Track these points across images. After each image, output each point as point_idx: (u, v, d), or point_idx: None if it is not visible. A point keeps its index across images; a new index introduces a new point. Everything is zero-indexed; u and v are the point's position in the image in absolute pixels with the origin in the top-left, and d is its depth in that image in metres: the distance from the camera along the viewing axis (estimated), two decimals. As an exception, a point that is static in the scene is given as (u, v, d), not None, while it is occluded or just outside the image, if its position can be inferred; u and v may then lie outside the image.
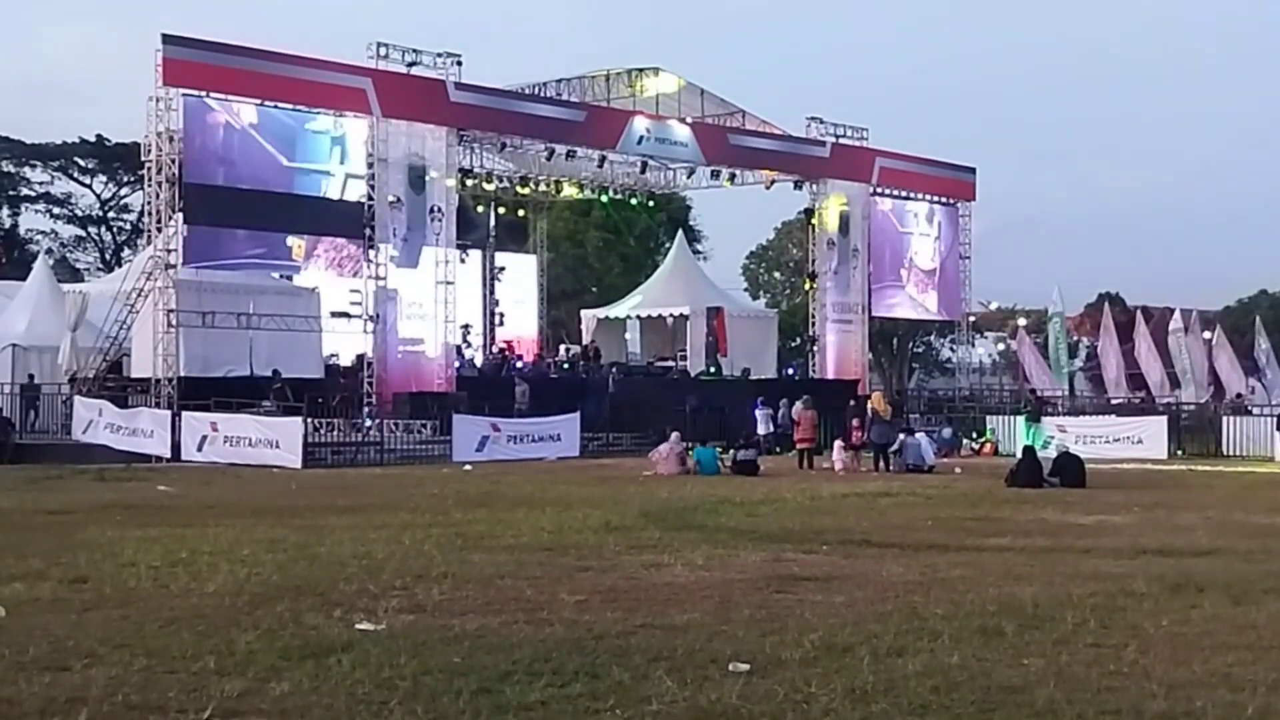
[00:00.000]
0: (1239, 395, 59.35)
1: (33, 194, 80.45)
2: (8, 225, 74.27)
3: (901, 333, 63.48)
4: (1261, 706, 8.20)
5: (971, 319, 66.73)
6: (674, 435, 35.83)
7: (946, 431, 44.27)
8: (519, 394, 45.74)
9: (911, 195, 60.63)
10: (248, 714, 8.05)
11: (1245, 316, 75.11)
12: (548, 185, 56.20)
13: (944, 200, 62.06)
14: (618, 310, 61.90)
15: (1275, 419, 38.55)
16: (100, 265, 69.00)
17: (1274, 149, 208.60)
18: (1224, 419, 49.73)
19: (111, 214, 78.22)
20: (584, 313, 62.80)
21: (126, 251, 65.18)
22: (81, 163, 78.70)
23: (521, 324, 57.71)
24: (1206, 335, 65.34)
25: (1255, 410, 51.33)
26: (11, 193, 79.65)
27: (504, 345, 55.25)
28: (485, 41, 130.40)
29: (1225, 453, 44.48)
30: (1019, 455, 32.59)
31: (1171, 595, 13.07)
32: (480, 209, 53.85)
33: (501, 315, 56.08)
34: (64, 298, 47.03)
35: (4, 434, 38.95)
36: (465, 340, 50.65)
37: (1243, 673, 9.25)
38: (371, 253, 45.03)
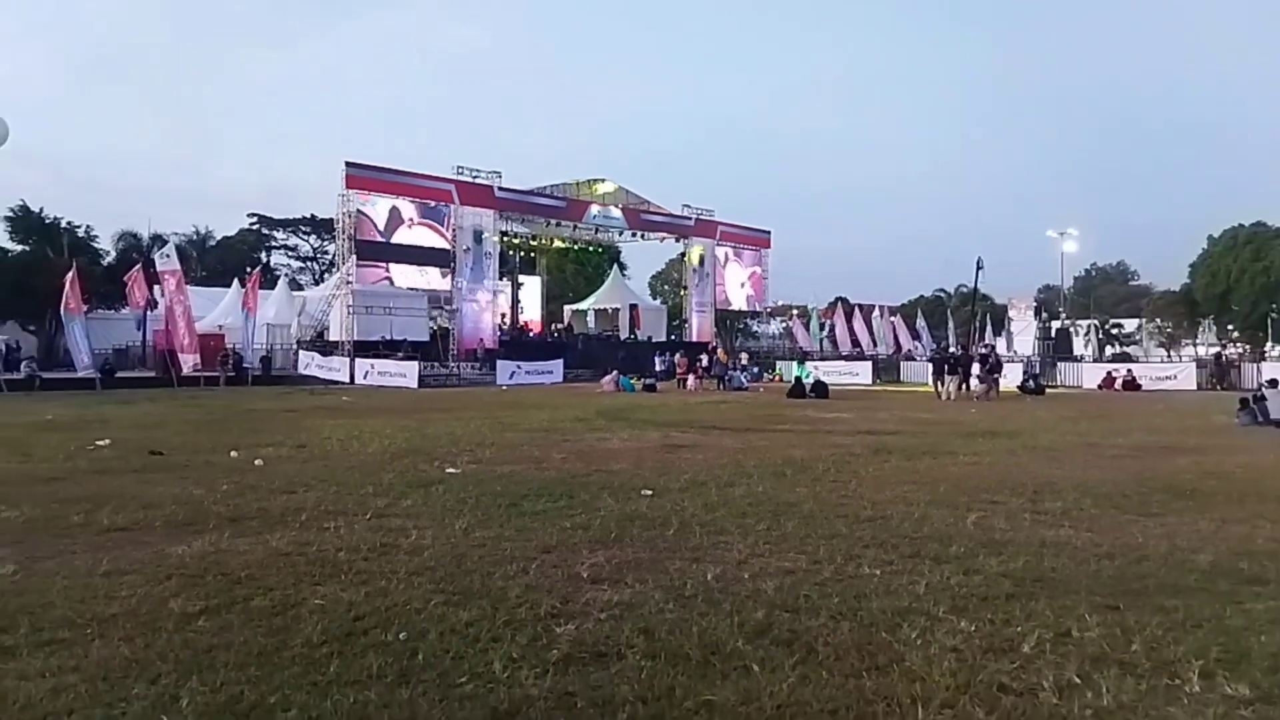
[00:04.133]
0: (908, 351, 60.11)
1: (277, 245, 79.92)
2: (265, 260, 73.68)
3: (731, 317, 63.73)
4: (922, 513, 8.37)
5: (769, 309, 67.05)
6: (614, 372, 35.72)
7: (755, 370, 44.39)
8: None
9: (736, 246, 60.79)
10: (390, 515, 8.06)
11: (912, 309, 75.46)
12: (546, 240, 55.67)
13: (754, 247, 62.27)
14: (583, 305, 61.77)
15: (929, 363, 38.62)
16: (313, 282, 68.19)
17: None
18: (900, 363, 50.51)
19: (318, 255, 77.68)
20: (565, 307, 62.59)
21: (326, 275, 64.29)
22: (304, 229, 78.19)
23: (532, 313, 57.36)
24: (892, 319, 66.02)
25: (917, 358, 52.16)
26: (267, 244, 79.05)
27: (523, 324, 54.98)
28: (513, 162, 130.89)
29: (902, 380, 45.00)
30: (793, 382, 32.76)
31: (873, 455, 13.11)
32: (511, 252, 53.41)
33: (522, 308, 55.68)
34: (293, 299, 46.70)
35: (234, 368, 37.95)
36: (502, 321, 50.43)
37: (912, 495, 9.38)
38: (454, 275, 44.87)
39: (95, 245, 49.07)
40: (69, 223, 47.68)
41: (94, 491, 9.30)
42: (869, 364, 48.05)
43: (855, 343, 61.98)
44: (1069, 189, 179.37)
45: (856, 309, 65.89)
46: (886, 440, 15.48)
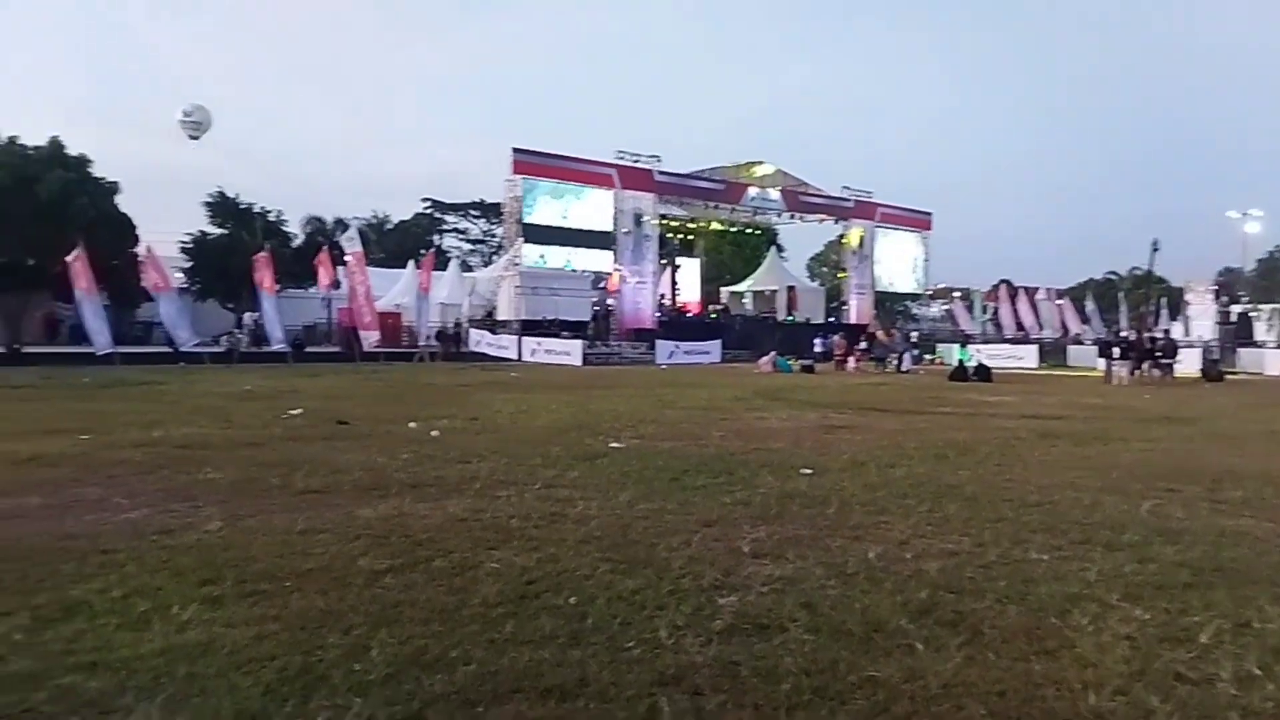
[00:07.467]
0: (1076, 335, 57.56)
1: (449, 228, 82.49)
2: (437, 243, 76.12)
3: (891, 299, 62.31)
4: (1093, 500, 8.05)
5: (930, 292, 65.35)
6: (771, 353, 35.55)
7: (916, 352, 43.25)
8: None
9: (896, 227, 59.39)
10: (558, 486, 8.25)
11: (1081, 292, 71.98)
12: (704, 222, 55.72)
13: (915, 228, 60.68)
14: (740, 287, 61.59)
15: (1098, 346, 37.00)
16: (483, 263, 70.01)
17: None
18: (1067, 347, 48.50)
19: (488, 238, 79.70)
20: (723, 289, 62.44)
21: (495, 256, 65.96)
22: (474, 213, 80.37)
23: (690, 294, 57.38)
24: (1059, 302, 63.45)
25: (1085, 342, 49.93)
26: (439, 228, 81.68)
27: (682, 305, 55.19)
28: (672, 145, 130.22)
29: (1069, 365, 43.13)
30: (955, 364, 31.86)
31: (1040, 440, 12.66)
32: (669, 235, 53.65)
33: (680, 289, 55.93)
34: (464, 280, 48.18)
35: (455, 345, 40.30)
36: (661, 302, 50.75)
37: (1082, 482, 9.02)
38: (615, 257, 45.50)
39: (285, 229, 51.43)
40: (261, 208, 50.18)
41: (288, 457, 9.90)
42: (1034, 348, 46.27)
43: (1020, 326, 59.55)
44: (1252, 168, 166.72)
45: (1021, 291, 63.33)
46: (1053, 425, 14.88)
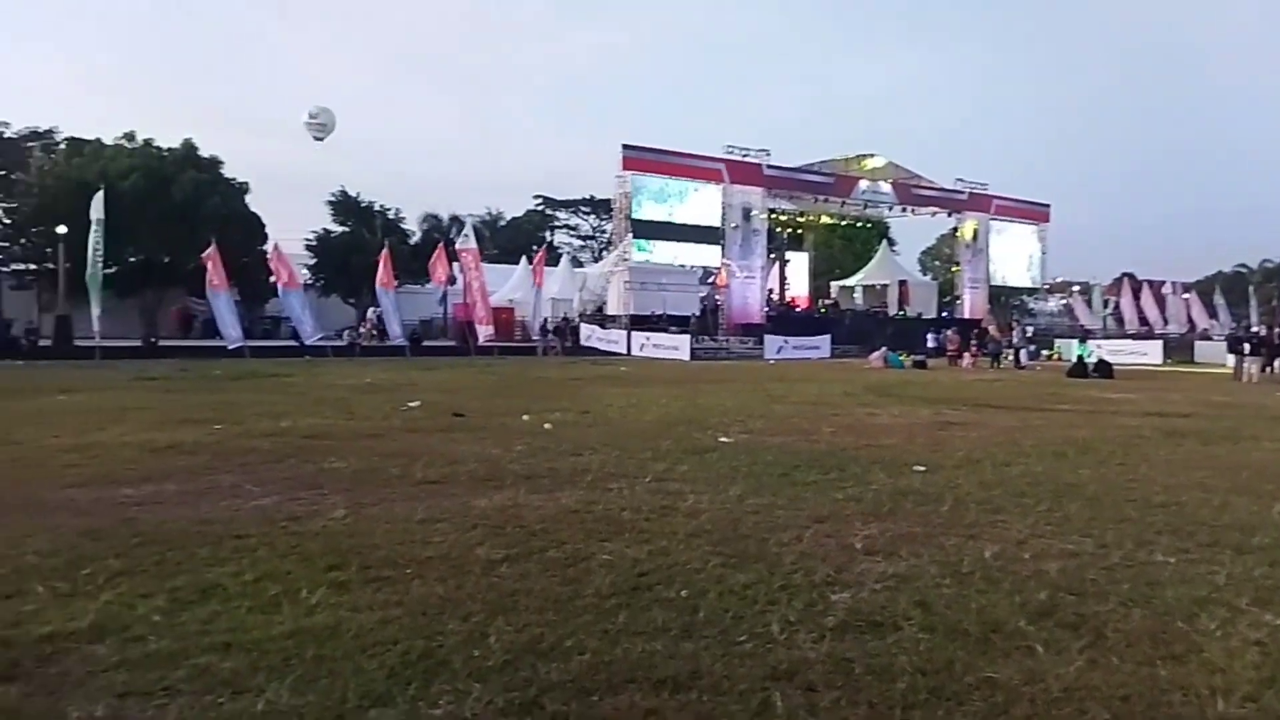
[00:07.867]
0: (1204, 330, 55.12)
1: (559, 224, 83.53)
2: (549, 239, 77.14)
3: (1006, 294, 60.65)
4: (1221, 501, 7.69)
5: (1047, 286, 63.31)
6: (882, 348, 35.02)
7: (1033, 348, 41.99)
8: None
9: (1012, 219, 57.70)
10: (668, 480, 8.28)
11: (1209, 286, 68.83)
12: (814, 216, 55.16)
13: (1032, 221, 58.86)
14: (850, 281, 60.66)
15: (1227, 341, 35.31)
16: (593, 259, 70.64)
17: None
18: (1194, 343, 46.45)
19: (598, 234, 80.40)
20: (833, 283, 61.60)
21: (604, 252, 66.45)
22: (584, 209, 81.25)
23: (799, 289, 56.83)
24: (1185, 296, 60.81)
25: (1214, 338, 47.77)
26: (551, 224, 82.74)
27: (791, 300, 54.72)
28: (781, 140, 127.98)
29: (1195, 361, 41.32)
30: (1074, 360, 30.85)
31: (1165, 439, 12.17)
32: (779, 229, 53.21)
33: (789, 284, 55.40)
34: (574, 275, 48.74)
35: (571, 340, 41.85)
36: (770, 297, 50.40)
37: (1210, 482, 8.63)
38: (724, 252, 45.28)
39: (403, 226, 52.99)
40: (381, 206, 51.81)
41: (407, 448, 10.17)
42: (1158, 343, 44.47)
43: (1144, 321, 57.27)
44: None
45: (1145, 285, 60.84)
46: (1179, 423, 14.29)
